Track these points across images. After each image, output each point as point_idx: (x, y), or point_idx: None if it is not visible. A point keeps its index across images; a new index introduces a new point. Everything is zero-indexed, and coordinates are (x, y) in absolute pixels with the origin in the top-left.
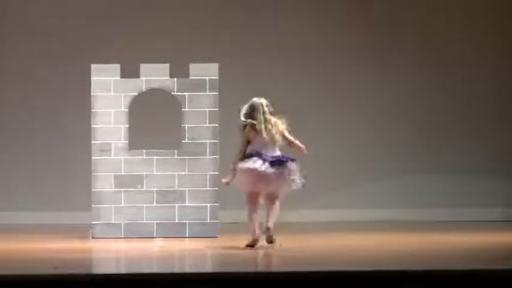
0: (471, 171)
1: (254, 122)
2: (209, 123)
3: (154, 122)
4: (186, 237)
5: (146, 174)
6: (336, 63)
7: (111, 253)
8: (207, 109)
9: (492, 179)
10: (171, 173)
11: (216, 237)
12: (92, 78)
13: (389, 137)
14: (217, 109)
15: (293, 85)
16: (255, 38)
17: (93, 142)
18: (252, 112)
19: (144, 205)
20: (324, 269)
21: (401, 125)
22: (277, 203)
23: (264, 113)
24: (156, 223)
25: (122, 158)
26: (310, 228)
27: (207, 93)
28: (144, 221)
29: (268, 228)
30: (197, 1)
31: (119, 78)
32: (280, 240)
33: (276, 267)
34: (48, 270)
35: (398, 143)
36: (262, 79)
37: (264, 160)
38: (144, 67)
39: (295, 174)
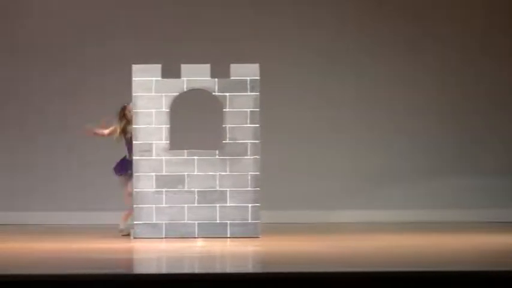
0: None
1: None
2: (250, 124)
3: (195, 122)
4: (227, 238)
5: (187, 174)
6: (364, 61)
7: (152, 253)
8: (248, 109)
9: None
10: (212, 173)
11: (258, 237)
12: (133, 78)
13: (417, 140)
14: (258, 109)
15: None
16: (296, 39)
17: (134, 142)
18: None
19: (185, 205)
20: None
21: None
22: None
23: None
24: (197, 223)
25: (163, 158)
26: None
27: (248, 93)
28: (185, 221)
29: None
30: (240, 2)
31: (160, 78)
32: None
33: (320, 267)
34: (92, 270)
35: (421, 144)
36: (302, 80)
37: None
38: (185, 67)
39: None
